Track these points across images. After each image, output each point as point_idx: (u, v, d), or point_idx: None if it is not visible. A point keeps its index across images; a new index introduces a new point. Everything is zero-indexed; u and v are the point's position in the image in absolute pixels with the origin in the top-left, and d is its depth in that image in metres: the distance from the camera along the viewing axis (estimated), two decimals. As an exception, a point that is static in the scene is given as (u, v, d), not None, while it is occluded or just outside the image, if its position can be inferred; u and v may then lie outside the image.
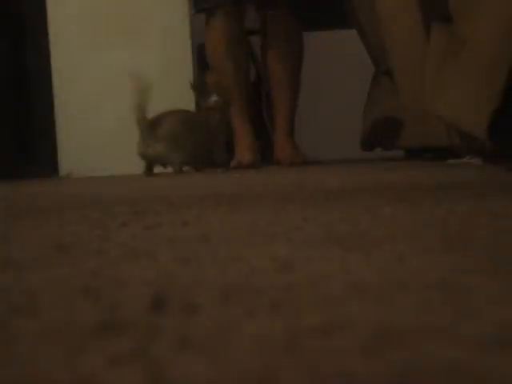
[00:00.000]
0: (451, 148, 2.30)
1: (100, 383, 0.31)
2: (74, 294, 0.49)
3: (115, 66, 3.29)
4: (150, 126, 2.71)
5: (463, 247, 0.61)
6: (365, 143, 3.09)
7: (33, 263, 0.64)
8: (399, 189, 1.36)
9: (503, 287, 0.45)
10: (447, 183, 1.46)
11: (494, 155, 1.97)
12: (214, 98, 2.79)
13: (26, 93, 3.43)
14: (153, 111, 3.29)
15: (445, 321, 0.38)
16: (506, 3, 1.78)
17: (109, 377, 0.31)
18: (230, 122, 2.98)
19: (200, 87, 2.81)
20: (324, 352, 0.33)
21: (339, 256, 0.59)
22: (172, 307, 0.43)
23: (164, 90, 3.27)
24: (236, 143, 2.99)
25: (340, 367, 0.31)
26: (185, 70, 3.28)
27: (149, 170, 2.84)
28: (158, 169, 3.18)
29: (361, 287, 0.47)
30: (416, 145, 2.72)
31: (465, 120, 1.90)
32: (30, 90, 3.43)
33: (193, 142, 2.72)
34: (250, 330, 0.38)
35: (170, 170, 2.91)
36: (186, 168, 2.83)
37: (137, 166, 3.22)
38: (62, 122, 3.33)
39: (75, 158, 3.32)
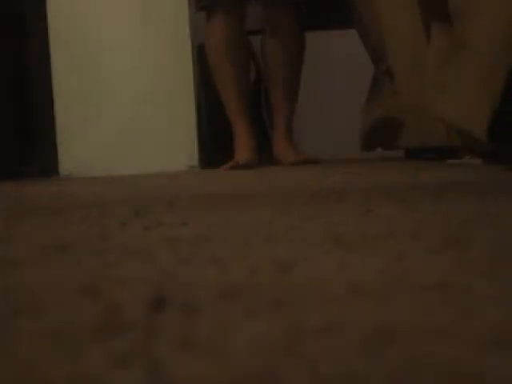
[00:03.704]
0: (451, 148, 2.30)
1: (100, 383, 0.31)
2: (74, 294, 0.49)
3: (115, 65, 3.29)
4: None
5: (463, 247, 0.61)
6: (364, 143, 3.08)
7: (33, 263, 0.64)
8: (399, 189, 1.35)
9: (503, 287, 0.45)
10: (447, 183, 1.46)
11: (494, 155, 1.97)
12: None
13: (26, 93, 3.43)
14: (152, 112, 3.29)
15: (445, 321, 0.38)
16: (505, 4, 1.78)
17: (109, 377, 0.31)
18: None
19: None
20: (324, 352, 0.33)
21: (339, 256, 0.59)
22: (172, 307, 0.43)
23: (164, 90, 3.27)
24: (235, 143, 2.99)
25: (340, 367, 0.31)
26: (185, 70, 3.28)
27: None
28: (158, 168, 3.19)
29: (361, 287, 0.47)
30: (416, 145, 2.72)
31: (465, 120, 1.90)
32: (30, 89, 3.43)
33: None
34: (250, 330, 0.38)
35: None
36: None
37: (137, 166, 3.22)
38: (62, 122, 3.33)
39: (75, 158, 3.32)
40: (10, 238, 0.87)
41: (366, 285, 0.47)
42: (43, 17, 3.31)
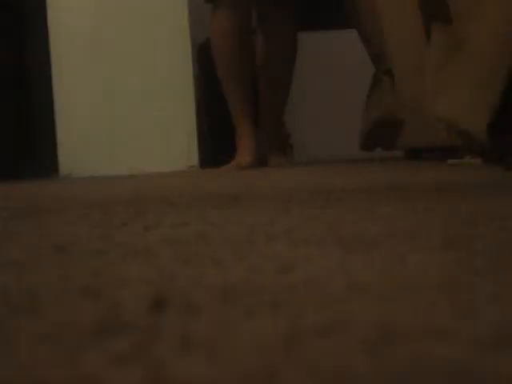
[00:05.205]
0: (451, 148, 2.30)
1: (100, 383, 0.31)
2: (74, 294, 0.49)
3: (115, 65, 3.29)
4: None
5: (463, 247, 0.61)
6: (364, 143, 3.09)
7: (33, 263, 0.64)
8: (399, 189, 1.35)
9: (503, 287, 0.45)
10: (447, 183, 1.46)
11: (494, 155, 1.97)
12: None
13: (26, 93, 3.43)
14: (153, 113, 3.29)
15: (445, 321, 0.38)
16: (506, 4, 1.78)
17: (109, 377, 0.31)
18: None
19: None
20: (324, 352, 0.33)
21: (339, 256, 0.59)
22: (172, 307, 0.43)
23: (164, 90, 3.27)
24: (238, 144, 2.99)
25: (340, 367, 0.31)
26: (185, 70, 3.28)
27: None
28: (158, 168, 3.19)
29: (361, 287, 0.47)
30: (416, 145, 2.72)
31: (464, 120, 1.90)
32: (30, 89, 3.43)
33: None
34: (250, 330, 0.38)
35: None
36: None
37: (137, 166, 3.22)
38: (62, 122, 3.33)
39: (75, 157, 3.32)
40: (9, 238, 0.87)
41: (366, 285, 0.47)
42: (43, 16, 3.31)
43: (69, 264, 0.63)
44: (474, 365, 0.30)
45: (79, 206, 1.34)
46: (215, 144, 3.38)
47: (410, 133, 2.66)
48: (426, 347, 0.33)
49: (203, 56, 3.24)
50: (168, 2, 3.28)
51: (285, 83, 3.03)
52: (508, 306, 0.40)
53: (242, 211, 1.04)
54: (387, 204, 1.02)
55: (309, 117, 3.73)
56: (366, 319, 0.39)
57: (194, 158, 3.29)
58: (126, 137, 3.29)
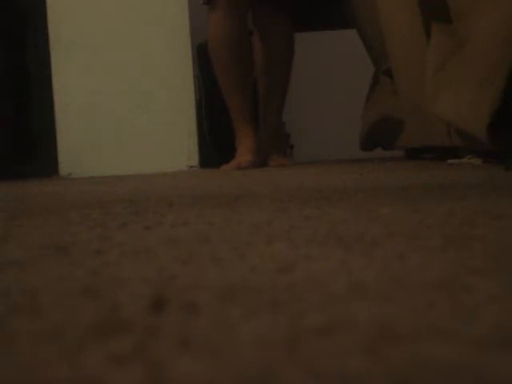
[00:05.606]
0: (451, 148, 2.30)
1: (100, 383, 0.30)
2: (74, 294, 0.49)
3: (115, 65, 3.29)
4: None
5: (463, 247, 0.61)
6: (364, 143, 3.09)
7: (33, 263, 0.64)
8: (399, 189, 1.35)
9: (503, 287, 0.45)
10: (447, 183, 1.46)
11: (494, 155, 1.97)
12: None
13: (26, 93, 3.42)
14: (153, 113, 3.29)
15: (445, 321, 0.38)
16: (506, 3, 1.78)
17: (109, 377, 0.31)
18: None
19: None
20: (324, 352, 0.33)
21: (339, 256, 0.59)
22: (172, 307, 0.43)
23: (164, 90, 3.27)
24: (238, 144, 2.99)
25: (340, 367, 0.31)
26: (185, 70, 3.28)
27: None
28: (158, 168, 3.19)
29: (361, 287, 0.47)
30: (416, 145, 2.72)
31: (465, 120, 1.90)
32: (30, 90, 3.43)
33: None
34: (250, 330, 0.38)
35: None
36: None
37: (137, 166, 3.22)
38: (61, 122, 3.33)
39: (75, 158, 3.32)
40: (9, 238, 0.87)
41: (366, 285, 0.47)
42: (43, 17, 3.31)
43: (69, 264, 0.63)
44: (474, 365, 0.30)
45: (79, 206, 1.34)
46: (215, 144, 3.38)
47: (410, 133, 2.66)
48: (426, 347, 0.33)
49: (203, 56, 3.24)
50: (168, 2, 3.28)
51: (283, 83, 3.04)
52: (508, 306, 0.40)
53: (242, 211, 1.03)
54: (387, 204, 1.02)
55: (309, 117, 3.73)
56: (366, 319, 0.39)
57: (194, 158, 3.29)
58: (126, 137, 3.29)
